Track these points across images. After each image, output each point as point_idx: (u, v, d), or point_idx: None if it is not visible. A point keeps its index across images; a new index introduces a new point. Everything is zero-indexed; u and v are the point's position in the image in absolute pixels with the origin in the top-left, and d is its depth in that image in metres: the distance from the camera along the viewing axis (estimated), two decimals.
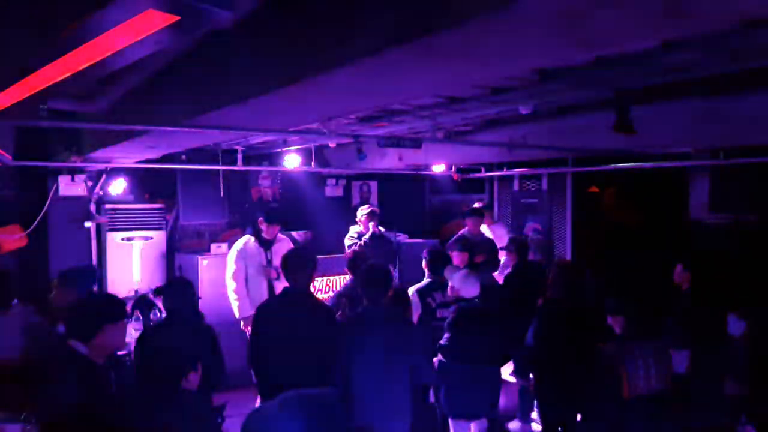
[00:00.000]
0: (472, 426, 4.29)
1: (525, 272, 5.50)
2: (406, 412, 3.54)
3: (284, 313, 3.65)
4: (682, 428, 3.73)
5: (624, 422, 3.35)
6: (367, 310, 3.60)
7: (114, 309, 2.89)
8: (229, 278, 5.54)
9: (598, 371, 3.49)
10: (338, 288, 5.78)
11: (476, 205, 6.96)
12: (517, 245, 5.72)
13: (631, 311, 3.59)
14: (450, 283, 4.38)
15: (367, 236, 6.24)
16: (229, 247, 6.68)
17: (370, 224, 6.31)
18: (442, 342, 4.17)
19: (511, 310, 4.93)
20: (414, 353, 3.56)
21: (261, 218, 5.65)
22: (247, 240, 5.66)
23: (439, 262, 4.70)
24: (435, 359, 4.16)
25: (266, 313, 3.77)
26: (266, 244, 5.60)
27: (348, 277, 5.02)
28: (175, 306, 3.87)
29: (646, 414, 3.39)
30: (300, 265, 3.72)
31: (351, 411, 3.27)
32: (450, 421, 4.29)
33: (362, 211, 6.47)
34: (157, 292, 4.21)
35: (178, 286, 4.04)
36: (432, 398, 4.46)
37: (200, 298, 4.29)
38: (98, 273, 4.16)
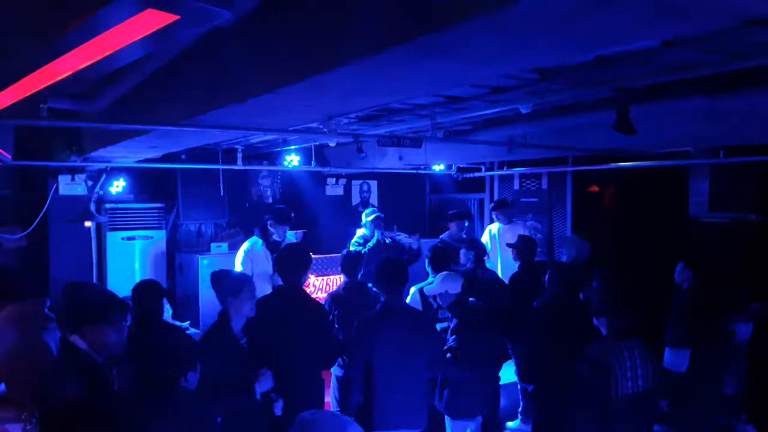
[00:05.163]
0: (470, 426, 4.28)
1: (531, 271, 5.48)
2: (424, 407, 3.56)
3: (278, 314, 3.57)
4: (682, 428, 3.71)
5: (609, 423, 3.32)
6: (385, 305, 3.58)
7: (110, 310, 2.84)
8: None
9: (582, 373, 3.44)
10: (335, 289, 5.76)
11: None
12: (525, 244, 5.68)
13: (616, 311, 3.53)
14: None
15: (371, 243, 6.14)
16: (230, 248, 6.75)
17: (376, 231, 6.22)
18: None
19: (515, 309, 4.92)
20: (432, 347, 3.60)
21: (270, 219, 5.59)
22: (254, 242, 5.61)
23: (443, 261, 4.68)
24: None
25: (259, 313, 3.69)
26: (273, 248, 5.40)
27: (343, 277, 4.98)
28: (142, 311, 3.79)
29: (631, 414, 3.36)
30: (294, 264, 3.67)
31: (371, 406, 3.25)
32: (448, 420, 4.28)
33: (366, 217, 6.40)
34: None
35: (144, 291, 3.94)
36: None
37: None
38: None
